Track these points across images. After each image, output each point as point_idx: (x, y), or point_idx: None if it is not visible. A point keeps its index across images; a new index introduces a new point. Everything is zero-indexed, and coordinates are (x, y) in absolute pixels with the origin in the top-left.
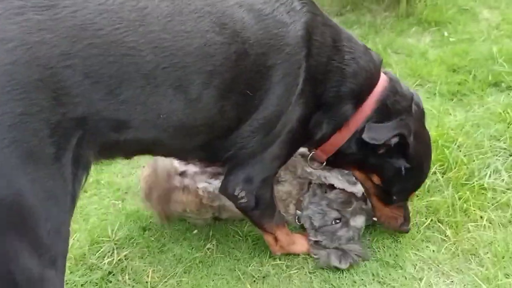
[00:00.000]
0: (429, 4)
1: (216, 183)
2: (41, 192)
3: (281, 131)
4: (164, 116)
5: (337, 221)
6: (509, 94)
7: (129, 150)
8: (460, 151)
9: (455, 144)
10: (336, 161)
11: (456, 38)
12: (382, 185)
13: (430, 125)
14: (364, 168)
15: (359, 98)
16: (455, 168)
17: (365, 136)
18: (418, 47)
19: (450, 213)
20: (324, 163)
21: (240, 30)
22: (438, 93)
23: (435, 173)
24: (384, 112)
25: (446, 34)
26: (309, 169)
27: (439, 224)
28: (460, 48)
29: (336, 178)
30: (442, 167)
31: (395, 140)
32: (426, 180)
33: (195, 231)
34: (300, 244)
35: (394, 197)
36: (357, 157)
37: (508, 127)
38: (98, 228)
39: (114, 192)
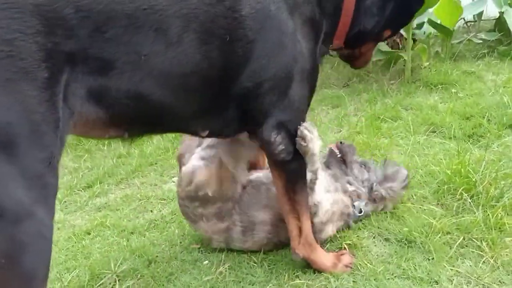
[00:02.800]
0: (434, 70)
1: None
2: (34, 115)
3: (292, 73)
4: (145, 57)
5: None
6: None
7: (121, 107)
8: (485, 177)
9: (479, 174)
10: (354, 41)
11: (464, 94)
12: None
13: (450, 163)
14: (380, 32)
15: None
16: (483, 191)
17: None
18: (427, 103)
19: (483, 231)
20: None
21: None
22: (454, 136)
23: (461, 196)
24: None
25: (454, 91)
26: None
27: (473, 241)
28: (470, 100)
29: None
30: (469, 192)
31: None
32: (454, 203)
33: (205, 262)
34: (323, 256)
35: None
36: (378, 27)
37: None
38: (100, 263)
39: (119, 233)
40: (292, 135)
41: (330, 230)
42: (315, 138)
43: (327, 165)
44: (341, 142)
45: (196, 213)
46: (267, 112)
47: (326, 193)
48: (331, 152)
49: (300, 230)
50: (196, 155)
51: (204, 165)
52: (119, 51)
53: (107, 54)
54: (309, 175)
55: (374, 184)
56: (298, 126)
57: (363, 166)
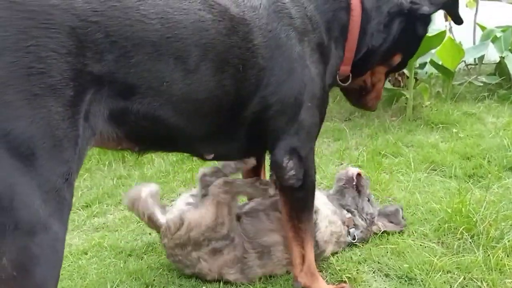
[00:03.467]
0: (435, 109)
1: None
2: (56, 131)
3: (301, 99)
4: (166, 84)
5: None
6: None
7: (137, 128)
8: (486, 218)
9: (479, 214)
10: (363, 64)
11: (465, 135)
12: (400, 61)
13: (451, 201)
14: (389, 54)
15: (343, 7)
16: (483, 231)
17: (425, 9)
18: (428, 141)
19: (484, 271)
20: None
21: (225, 10)
22: (454, 176)
23: (462, 235)
24: None
25: (455, 131)
26: None
27: (474, 281)
28: (471, 141)
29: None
30: (469, 231)
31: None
32: (454, 242)
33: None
34: (324, 287)
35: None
36: (385, 46)
37: None
38: (96, 284)
39: (116, 254)
40: (303, 162)
41: (328, 250)
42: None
43: (340, 190)
44: (359, 174)
45: (190, 258)
46: (278, 136)
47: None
48: (350, 179)
49: (303, 258)
50: (180, 202)
51: (193, 207)
52: (143, 77)
53: (132, 79)
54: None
55: (376, 218)
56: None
57: (369, 199)
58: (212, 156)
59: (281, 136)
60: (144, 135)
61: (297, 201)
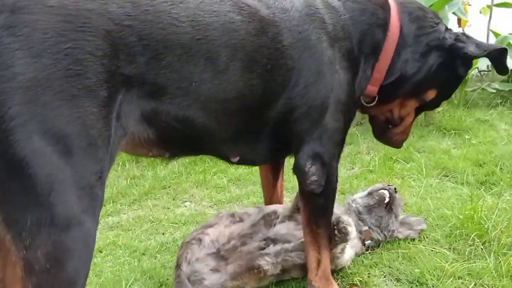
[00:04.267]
0: (447, 115)
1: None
2: (92, 130)
3: (327, 103)
4: (195, 84)
5: None
6: None
7: (168, 129)
8: (498, 225)
9: (491, 221)
10: (392, 90)
11: (477, 141)
12: (434, 98)
13: (463, 208)
14: (422, 87)
15: (381, 24)
16: (495, 238)
17: (469, 50)
18: (440, 147)
19: (495, 277)
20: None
21: (254, 12)
22: (466, 182)
23: (473, 241)
24: (413, 19)
25: (467, 137)
26: None
27: (485, 287)
28: (483, 148)
29: None
30: (481, 238)
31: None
32: (466, 248)
33: None
34: None
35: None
36: (419, 77)
37: None
38: (111, 282)
39: (131, 253)
40: (326, 168)
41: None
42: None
43: (369, 207)
44: (395, 190)
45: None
46: (301, 140)
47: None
48: (381, 196)
49: (318, 262)
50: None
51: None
52: (172, 78)
53: (161, 80)
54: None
55: (395, 232)
56: (337, 218)
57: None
58: (238, 158)
59: (305, 139)
60: (174, 136)
61: (317, 206)
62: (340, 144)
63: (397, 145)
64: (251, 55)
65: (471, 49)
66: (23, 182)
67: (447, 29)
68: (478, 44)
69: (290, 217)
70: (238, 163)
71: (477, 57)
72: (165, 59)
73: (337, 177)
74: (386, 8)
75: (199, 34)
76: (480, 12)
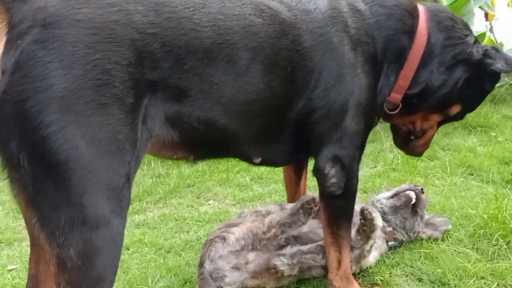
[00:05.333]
0: (473, 112)
1: None
2: (120, 135)
3: (347, 106)
4: (216, 87)
5: None
6: None
7: (191, 130)
8: None
9: None
10: (417, 102)
11: (504, 138)
12: (458, 112)
13: (487, 207)
14: (447, 102)
15: (407, 31)
16: None
17: (497, 67)
18: (465, 145)
19: None
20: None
21: (275, 14)
22: (492, 181)
23: (497, 241)
24: (441, 29)
25: (493, 134)
26: None
27: (508, 287)
28: (510, 145)
29: None
30: (505, 238)
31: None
32: (489, 248)
33: None
34: None
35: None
36: (445, 91)
37: None
38: (138, 279)
39: (156, 250)
40: (346, 171)
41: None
42: (378, 216)
43: (395, 208)
44: (422, 190)
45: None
46: (321, 142)
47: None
48: (408, 197)
49: (339, 263)
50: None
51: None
52: (194, 81)
53: (183, 83)
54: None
55: (420, 233)
56: (360, 208)
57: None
58: (260, 159)
59: (325, 142)
60: (197, 138)
61: (337, 208)
62: (361, 147)
63: (418, 155)
64: (272, 57)
65: (498, 65)
66: (58, 184)
67: (476, 41)
68: (507, 60)
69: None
70: (260, 164)
71: (507, 72)
72: (187, 63)
73: (357, 179)
74: (414, 15)
75: (220, 38)
76: (508, 5)
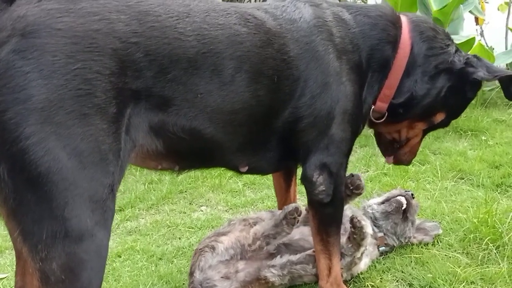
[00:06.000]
0: (464, 116)
1: None
2: (103, 145)
3: (333, 114)
4: (201, 96)
5: None
6: None
7: (176, 140)
8: None
9: (506, 224)
10: (403, 111)
11: (494, 142)
12: (444, 119)
13: (477, 211)
14: (432, 110)
15: (391, 41)
16: (508, 242)
17: (479, 76)
18: (456, 149)
19: (507, 283)
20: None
21: (261, 24)
22: (482, 185)
23: (487, 246)
24: (423, 39)
25: (484, 138)
26: None
27: None
28: (500, 149)
29: None
30: (494, 242)
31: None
32: (479, 252)
33: None
34: None
35: (443, 125)
36: (429, 100)
37: None
38: (129, 286)
39: (148, 258)
40: (334, 178)
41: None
42: (368, 224)
43: (386, 214)
44: (412, 195)
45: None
46: (308, 150)
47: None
48: (399, 203)
49: (330, 270)
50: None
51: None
52: (178, 90)
53: (167, 92)
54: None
55: (411, 238)
56: (350, 216)
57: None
58: (246, 168)
59: (312, 149)
60: (182, 148)
61: (326, 216)
62: (347, 154)
63: (406, 164)
64: (257, 66)
65: (480, 74)
66: (39, 197)
67: (457, 50)
68: (489, 68)
69: (304, 222)
70: (247, 172)
71: (488, 81)
72: (171, 72)
73: (344, 188)
74: (397, 26)
75: (205, 48)
76: (498, 9)
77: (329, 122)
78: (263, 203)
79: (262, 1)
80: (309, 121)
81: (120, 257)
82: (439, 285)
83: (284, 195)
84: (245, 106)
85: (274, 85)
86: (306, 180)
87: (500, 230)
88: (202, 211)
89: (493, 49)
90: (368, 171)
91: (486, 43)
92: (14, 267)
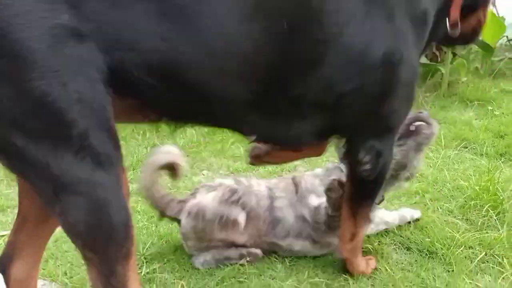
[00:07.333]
0: (471, 86)
1: None
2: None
3: (388, 85)
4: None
5: None
6: None
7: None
8: None
9: (507, 192)
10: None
11: (500, 112)
12: None
13: (479, 179)
14: None
15: None
16: (509, 209)
17: None
18: (461, 118)
19: (506, 248)
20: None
21: None
22: (485, 154)
23: (487, 212)
24: None
25: (490, 108)
26: None
27: (495, 257)
28: (506, 119)
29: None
30: (495, 209)
31: None
32: (479, 219)
33: None
34: (360, 260)
35: None
36: None
37: None
38: None
39: (149, 218)
40: (381, 157)
41: None
42: None
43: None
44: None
45: None
46: (353, 128)
47: None
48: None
49: (352, 237)
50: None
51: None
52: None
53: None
54: None
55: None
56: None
57: None
58: (254, 137)
59: (357, 128)
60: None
61: (365, 189)
62: (396, 131)
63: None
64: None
65: None
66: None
67: None
68: None
69: (306, 237)
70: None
71: None
72: None
73: (390, 162)
74: None
75: None
76: None
77: (384, 96)
78: (264, 168)
79: None
80: (350, 96)
81: None
82: (436, 249)
83: None
84: (239, 50)
85: (282, 31)
86: (350, 157)
87: (501, 198)
88: (203, 175)
89: (505, 19)
90: None
91: (497, 12)
92: None
